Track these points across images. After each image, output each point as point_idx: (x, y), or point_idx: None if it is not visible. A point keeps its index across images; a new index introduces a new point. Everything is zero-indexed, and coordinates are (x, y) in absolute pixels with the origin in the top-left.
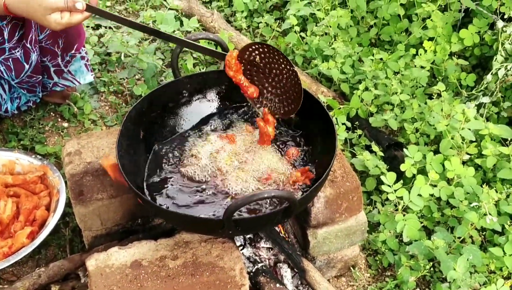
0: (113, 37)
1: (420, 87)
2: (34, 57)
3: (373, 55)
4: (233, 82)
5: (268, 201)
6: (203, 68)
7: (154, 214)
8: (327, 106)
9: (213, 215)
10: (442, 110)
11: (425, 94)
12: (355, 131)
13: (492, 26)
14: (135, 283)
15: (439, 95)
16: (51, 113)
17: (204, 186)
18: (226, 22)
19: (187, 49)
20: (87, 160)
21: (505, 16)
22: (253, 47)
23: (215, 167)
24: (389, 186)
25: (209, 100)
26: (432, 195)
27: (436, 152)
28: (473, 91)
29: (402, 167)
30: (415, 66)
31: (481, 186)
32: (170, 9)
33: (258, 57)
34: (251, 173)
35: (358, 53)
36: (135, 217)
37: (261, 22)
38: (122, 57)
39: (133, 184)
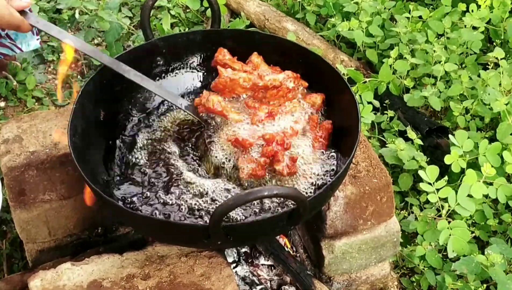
0: None
1: (471, 54)
2: None
3: (409, 12)
4: (223, 46)
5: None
6: (184, 29)
7: (118, 220)
8: (348, 79)
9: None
10: (500, 84)
11: (478, 64)
12: (385, 112)
13: None
14: None
15: (496, 65)
16: None
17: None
18: None
19: (162, 4)
20: (30, 149)
21: None
22: None
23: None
24: (430, 184)
25: (191, 70)
26: (486, 196)
27: (493, 139)
28: None
29: (447, 160)
30: (465, 26)
31: None
32: None
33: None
34: None
35: (389, 9)
36: (94, 225)
37: None
38: (77, 15)
39: (92, 180)
